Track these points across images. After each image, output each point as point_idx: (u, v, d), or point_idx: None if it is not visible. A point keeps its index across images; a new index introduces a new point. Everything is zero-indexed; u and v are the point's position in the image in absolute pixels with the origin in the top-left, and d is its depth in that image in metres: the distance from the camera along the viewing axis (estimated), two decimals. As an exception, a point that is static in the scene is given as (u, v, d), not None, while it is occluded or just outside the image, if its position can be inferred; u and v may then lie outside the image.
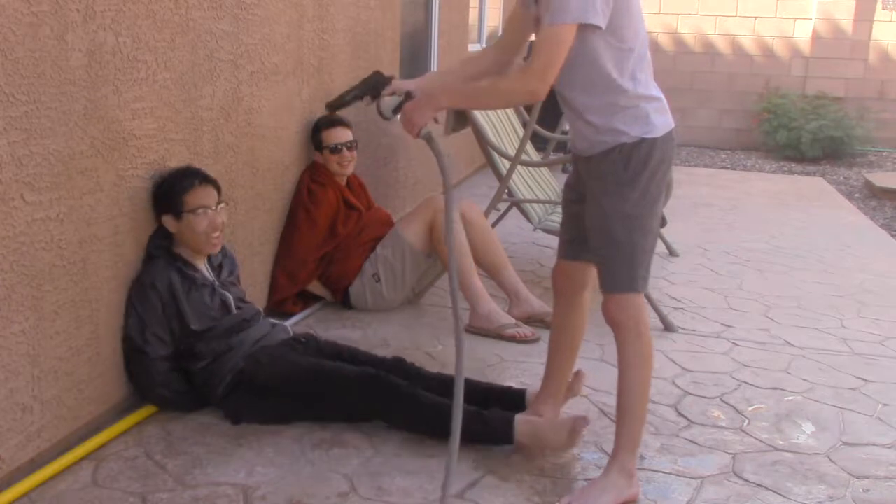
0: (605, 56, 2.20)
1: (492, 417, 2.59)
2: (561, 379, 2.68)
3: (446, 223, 2.23)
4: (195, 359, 2.72)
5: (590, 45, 2.19)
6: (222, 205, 2.83)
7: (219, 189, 2.84)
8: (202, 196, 2.75)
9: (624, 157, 2.25)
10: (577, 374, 2.75)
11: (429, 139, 2.21)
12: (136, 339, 2.65)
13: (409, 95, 2.30)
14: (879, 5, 9.85)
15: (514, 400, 2.80)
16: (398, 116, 2.31)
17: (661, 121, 2.27)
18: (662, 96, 2.32)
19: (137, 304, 2.66)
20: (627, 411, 2.37)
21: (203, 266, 2.85)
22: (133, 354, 2.68)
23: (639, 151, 2.24)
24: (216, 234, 2.78)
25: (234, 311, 2.85)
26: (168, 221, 2.74)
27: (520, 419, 2.56)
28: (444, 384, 2.68)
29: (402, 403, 2.61)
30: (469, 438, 2.56)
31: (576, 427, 2.50)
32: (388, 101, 2.29)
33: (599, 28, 2.14)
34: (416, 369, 2.85)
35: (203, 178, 2.78)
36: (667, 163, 2.29)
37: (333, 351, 2.92)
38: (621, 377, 2.38)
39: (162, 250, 2.74)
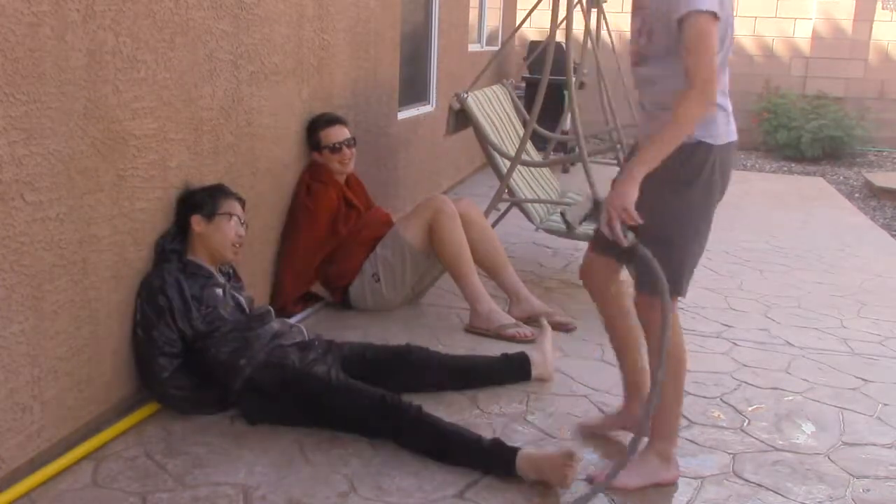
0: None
1: (494, 452, 2.49)
2: (637, 375, 2.66)
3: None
4: (213, 354, 2.74)
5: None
6: (244, 225, 2.99)
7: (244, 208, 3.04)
8: (234, 206, 2.95)
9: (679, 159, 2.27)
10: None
11: (634, 247, 2.19)
12: (144, 336, 2.69)
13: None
14: (879, 5, 9.85)
15: (521, 367, 3.10)
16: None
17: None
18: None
19: (146, 304, 2.71)
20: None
21: (215, 271, 2.93)
22: (142, 351, 2.71)
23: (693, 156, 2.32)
24: (240, 244, 2.94)
25: (248, 311, 2.97)
26: (197, 221, 2.85)
27: (521, 455, 2.44)
28: (453, 370, 3.03)
29: (409, 428, 2.58)
30: (471, 466, 2.51)
31: (566, 463, 2.37)
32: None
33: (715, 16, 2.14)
34: (426, 355, 3.05)
35: (235, 195, 2.99)
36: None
37: (350, 352, 2.99)
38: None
39: (175, 254, 2.82)
